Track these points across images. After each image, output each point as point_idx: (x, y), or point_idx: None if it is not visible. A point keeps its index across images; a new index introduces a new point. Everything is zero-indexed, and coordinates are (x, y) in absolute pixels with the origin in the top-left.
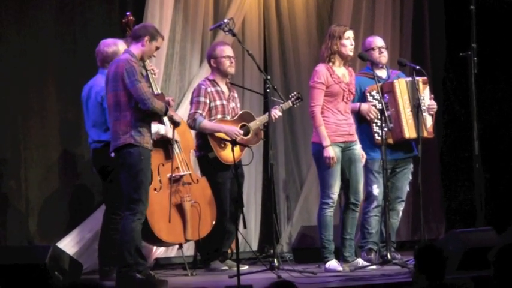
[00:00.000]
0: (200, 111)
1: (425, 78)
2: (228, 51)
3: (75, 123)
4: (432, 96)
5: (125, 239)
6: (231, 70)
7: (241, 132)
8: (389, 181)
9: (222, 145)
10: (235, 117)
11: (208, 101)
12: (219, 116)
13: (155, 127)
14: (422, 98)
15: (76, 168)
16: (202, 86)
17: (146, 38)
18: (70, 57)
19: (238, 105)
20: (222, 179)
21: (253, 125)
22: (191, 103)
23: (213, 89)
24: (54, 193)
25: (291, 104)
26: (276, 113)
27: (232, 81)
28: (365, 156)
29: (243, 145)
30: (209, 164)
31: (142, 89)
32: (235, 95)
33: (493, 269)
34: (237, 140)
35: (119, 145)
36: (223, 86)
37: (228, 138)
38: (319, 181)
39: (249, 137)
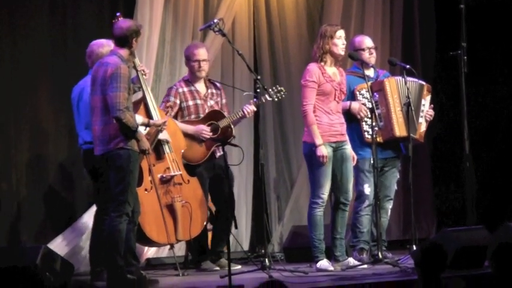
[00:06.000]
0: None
1: (429, 86)
2: (200, 55)
3: (66, 125)
4: (432, 106)
5: (112, 241)
6: (200, 74)
7: (208, 130)
8: (378, 180)
9: (198, 142)
10: (202, 117)
11: (178, 101)
12: (192, 117)
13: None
14: (423, 104)
15: (67, 170)
16: (174, 87)
17: (133, 40)
18: (61, 59)
19: (224, 101)
20: (200, 179)
21: (222, 123)
22: (162, 102)
23: (185, 89)
24: (46, 194)
25: (269, 98)
26: (248, 107)
27: (223, 81)
28: (356, 157)
29: (228, 144)
30: (185, 166)
31: (120, 98)
32: (218, 91)
33: (492, 267)
34: (205, 138)
35: (110, 149)
36: (198, 85)
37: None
38: (310, 181)
39: (218, 135)
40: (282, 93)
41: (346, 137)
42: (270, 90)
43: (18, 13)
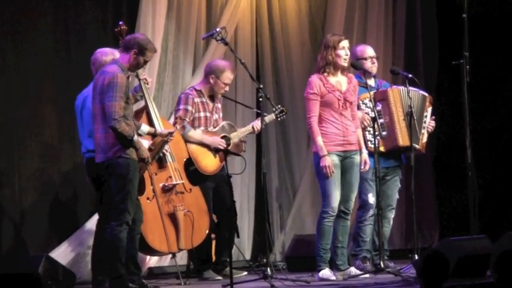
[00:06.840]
0: (187, 119)
1: (431, 97)
2: (231, 77)
3: (69, 133)
4: (434, 117)
5: (113, 249)
6: (221, 94)
7: (224, 142)
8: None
9: (213, 153)
10: (217, 129)
11: (193, 111)
12: (201, 128)
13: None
14: (425, 115)
15: (70, 178)
16: (190, 96)
17: (133, 51)
18: (65, 67)
19: (221, 115)
20: (204, 189)
21: (234, 136)
22: (177, 110)
23: (198, 99)
24: (48, 203)
25: (274, 117)
26: (258, 123)
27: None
28: (369, 162)
29: (231, 153)
30: (191, 175)
31: (115, 107)
32: (219, 105)
33: (494, 275)
34: (221, 149)
35: (109, 157)
36: (208, 98)
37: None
38: (320, 190)
39: (229, 148)
40: (284, 113)
41: (358, 146)
42: (274, 109)
43: (21, 19)
